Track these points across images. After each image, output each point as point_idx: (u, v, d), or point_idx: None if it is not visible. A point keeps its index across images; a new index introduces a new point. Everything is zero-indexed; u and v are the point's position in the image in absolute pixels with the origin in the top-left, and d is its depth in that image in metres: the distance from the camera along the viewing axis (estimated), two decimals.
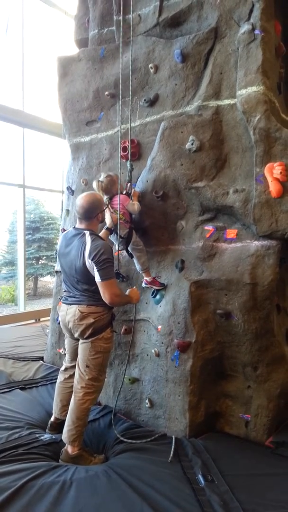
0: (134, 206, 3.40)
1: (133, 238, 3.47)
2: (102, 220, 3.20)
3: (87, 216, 2.94)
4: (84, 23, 4.70)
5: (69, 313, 2.96)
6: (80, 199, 2.93)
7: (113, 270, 2.88)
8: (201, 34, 3.46)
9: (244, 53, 3.20)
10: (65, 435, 2.93)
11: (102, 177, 3.44)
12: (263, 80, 3.09)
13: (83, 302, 2.91)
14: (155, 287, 3.55)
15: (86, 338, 2.91)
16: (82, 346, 2.95)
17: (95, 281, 2.83)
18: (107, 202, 3.39)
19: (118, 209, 3.30)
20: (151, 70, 3.74)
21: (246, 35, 3.20)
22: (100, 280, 2.78)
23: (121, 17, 3.99)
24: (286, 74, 3.70)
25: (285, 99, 3.72)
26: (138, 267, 3.56)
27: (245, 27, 3.21)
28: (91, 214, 2.94)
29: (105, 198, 3.37)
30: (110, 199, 3.42)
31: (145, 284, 3.59)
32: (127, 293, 3.15)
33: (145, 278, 3.57)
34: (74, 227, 3.06)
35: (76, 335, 2.99)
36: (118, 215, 3.31)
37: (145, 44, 3.82)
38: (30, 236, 12.04)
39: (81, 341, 2.97)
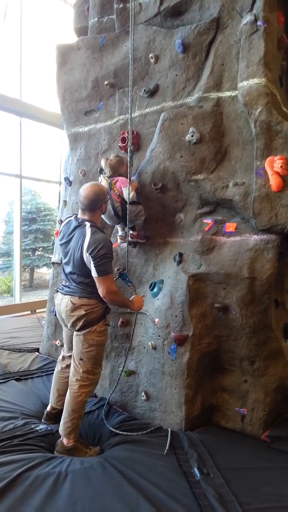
0: (131, 194, 3.34)
1: (134, 212, 3.41)
2: (104, 212, 3.18)
3: (91, 208, 2.91)
4: (83, 11, 4.63)
5: (62, 303, 2.96)
6: (85, 190, 2.89)
7: (111, 266, 2.86)
8: (203, 24, 3.41)
9: (246, 44, 3.15)
10: (61, 428, 2.93)
11: (111, 156, 3.48)
12: (265, 72, 3.05)
13: (76, 294, 2.90)
14: (139, 240, 3.62)
15: (78, 331, 2.91)
16: (76, 339, 2.94)
17: (89, 275, 2.82)
18: (109, 182, 3.40)
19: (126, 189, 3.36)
20: (152, 60, 3.69)
21: (249, 26, 3.15)
22: (97, 275, 2.77)
23: (121, 5, 3.93)
24: (287, 66, 3.66)
25: (286, 92, 3.67)
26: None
27: (248, 18, 3.16)
28: (96, 205, 2.92)
29: (108, 173, 3.43)
30: (111, 179, 3.43)
31: (120, 240, 3.72)
32: (131, 298, 3.18)
33: (119, 233, 3.68)
34: (76, 216, 3.02)
35: (68, 326, 2.99)
36: (128, 195, 3.34)
37: (145, 34, 3.76)
38: (26, 227, 12.00)
39: (74, 333, 2.96)
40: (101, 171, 3.57)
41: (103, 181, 3.47)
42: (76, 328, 2.91)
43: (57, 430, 3.03)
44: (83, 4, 4.65)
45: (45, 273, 13.27)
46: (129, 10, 3.83)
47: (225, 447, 2.93)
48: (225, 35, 3.36)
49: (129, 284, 3.50)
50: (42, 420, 3.27)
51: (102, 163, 3.47)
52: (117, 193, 3.39)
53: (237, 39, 3.27)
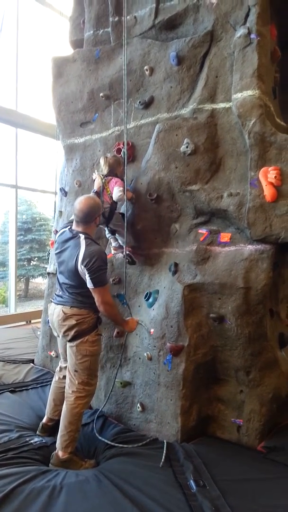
0: (120, 194, 3.36)
1: (115, 215, 3.49)
2: (99, 224, 3.22)
3: (85, 220, 2.94)
4: (79, 24, 4.68)
5: (55, 313, 2.98)
6: (80, 203, 2.92)
7: (106, 277, 2.89)
8: (197, 37, 3.46)
9: (240, 57, 3.20)
10: (58, 441, 2.89)
11: (109, 155, 3.53)
12: (258, 84, 3.09)
13: (67, 303, 2.92)
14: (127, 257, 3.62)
15: (70, 341, 2.91)
16: (69, 351, 2.94)
17: (83, 285, 2.84)
18: (104, 181, 3.45)
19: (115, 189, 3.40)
20: (146, 72, 3.73)
21: (242, 39, 3.20)
22: (93, 287, 2.79)
23: (117, 18, 3.99)
24: (281, 78, 3.71)
25: (280, 104, 3.72)
26: (121, 241, 3.62)
27: (241, 31, 3.22)
28: (90, 218, 2.95)
29: (105, 171, 3.48)
30: (105, 178, 3.47)
31: (114, 251, 3.74)
32: (126, 319, 3.21)
33: (113, 244, 3.69)
34: (70, 228, 3.03)
35: (60, 336, 3.00)
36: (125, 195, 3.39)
37: (140, 46, 3.81)
38: (22, 237, 11.98)
39: (68, 345, 2.95)
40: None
41: (97, 178, 3.50)
42: (68, 338, 2.91)
43: (52, 443, 3.00)
44: (79, 17, 4.70)
45: (40, 283, 13.22)
46: (124, 23, 3.89)
47: (221, 458, 2.91)
48: (219, 47, 3.41)
49: (125, 306, 3.51)
50: (37, 433, 3.23)
51: (101, 161, 3.51)
52: (110, 194, 3.43)
53: (231, 52, 3.31)
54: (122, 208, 3.69)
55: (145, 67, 3.73)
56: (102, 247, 3.14)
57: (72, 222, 3.04)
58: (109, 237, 3.69)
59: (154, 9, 3.76)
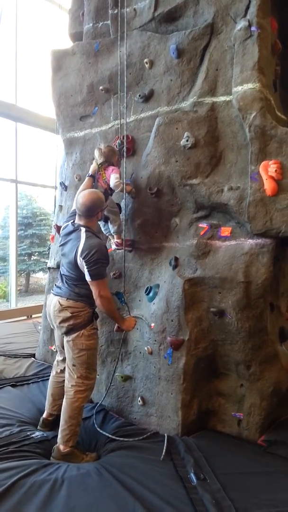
0: (116, 181, 3.36)
1: (109, 200, 3.48)
2: (101, 218, 3.27)
3: (88, 214, 2.96)
4: (78, 16, 4.64)
5: (52, 303, 3.01)
6: (83, 197, 2.93)
7: (105, 271, 2.89)
8: (197, 30, 3.43)
9: (240, 49, 3.17)
10: (59, 436, 2.91)
11: (102, 145, 3.51)
12: (259, 77, 3.06)
13: (64, 295, 2.94)
14: (126, 249, 3.61)
15: (66, 335, 2.92)
16: (66, 346, 2.95)
17: (81, 278, 2.86)
18: (101, 167, 3.46)
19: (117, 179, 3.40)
20: (146, 66, 3.70)
21: (243, 31, 3.17)
22: (90, 279, 2.80)
23: (116, 11, 3.95)
24: (281, 71, 3.68)
25: (280, 97, 3.70)
26: (112, 229, 3.60)
27: (242, 24, 3.18)
28: (92, 212, 2.97)
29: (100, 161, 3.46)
30: (101, 164, 3.47)
31: (116, 246, 3.65)
32: (126, 317, 3.22)
33: (116, 240, 3.62)
34: (73, 222, 3.05)
35: (55, 327, 3.02)
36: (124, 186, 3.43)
37: (140, 39, 3.77)
38: (22, 232, 11.97)
39: (64, 340, 2.96)
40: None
41: (93, 163, 3.50)
42: (63, 331, 2.93)
43: (54, 437, 3.01)
44: (78, 10, 4.66)
45: (41, 278, 13.23)
46: (123, 16, 3.86)
47: (221, 452, 2.92)
48: (219, 40, 3.38)
49: (124, 304, 3.51)
50: (38, 427, 3.25)
51: (96, 153, 3.50)
52: (105, 179, 3.44)
53: (231, 45, 3.28)
54: (122, 202, 3.69)
55: (145, 60, 3.70)
56: (103, 241, 3.13)
57: (75, 215, 3.04)
58: (107, 233, 3.68)
59: (154, 1, 3.71)
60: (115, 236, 3.61)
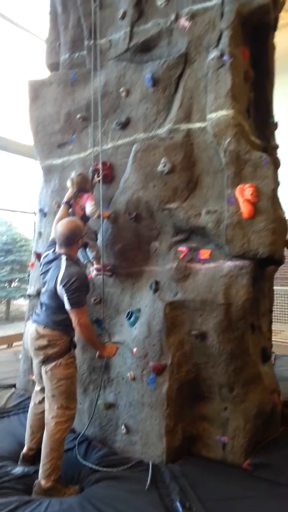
0: (92, 209, 3.40)
1: (86, 227, 3.50)
2: (81, 245, 3.27)
3: (68, 243, 2.97)
4: (55, 47, 4.73)
5: (29, 330, 2.98)
6: (61, 226, 2.95)
7: (84, 299, 2.88)
8: (171, 59, 3.55)
9: (214, 78, 3.28)
10: (40, 470, 2.81)
11: (74, 175, 3.53)
12: (232, 104, 3.17)
13: (41, 323, 2.92)
14: (106, 274, 3.60)
15: (43, 364, 2.88)
16: (44, 377, 2.90)
17: (60, 307, 2.84)
18: (75, 196, 3.49)
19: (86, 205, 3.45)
20: (123, 94, 3.79)
21: (215, 60, 3.29)
22: (69, 308, 2.79)
23: (92, 42, 4.05)
24: (255, 98, 3.81)
25: (254, 122, 3.81)
26: (91, 255, 3.61)
27: (214, 53, 3.31)
28: (72, 241, 2.98)
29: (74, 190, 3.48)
30: (78, 192, 3.49)
31: (96, 271, 3.63)
32: (106, 345, 3.16)
33: (95, 266, 3.61)
34: (53, 250, 3.05)
35: (32, 356, 2.98)
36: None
37: (116, 69, 3.87)
38: (2, 258, 11.84)
39: (42, 371, 2.91)
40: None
41: (69, 189, 3.50)
42: (39, 359, 2.89)
43: (35, 471, 2.91)
44: (55, 41, 4.76)
45: (22, 304, 13.01)
46: (100, 47, 3.97)
47: (207, 478, 2.87)
48: (193, 69, 3.49)
49: (104, 331, 3.48)
50: (19, 463, 3.13)
51: (68, 183, 3.51)
52: (81, 206, 3.46)
53: (204, 73, 3.40)
54: (104, 226, 3.71)
55: (121, 89, 3.79)
56: (84, 268, 3.12)
57: (55, 243, 3.04)
58: (85, 260, 3.67)
59: (128, 32, 3.85)
60: (94, 262, 3.60)
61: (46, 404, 2.91)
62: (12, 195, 10.12)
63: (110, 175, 3.83)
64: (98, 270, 3.60)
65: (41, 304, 3.02)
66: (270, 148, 3.81)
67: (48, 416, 2.88)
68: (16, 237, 12.64)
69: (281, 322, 8.41)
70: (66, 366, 2.87)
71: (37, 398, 3.19)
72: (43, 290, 3.02)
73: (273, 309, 4.27)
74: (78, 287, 2.76)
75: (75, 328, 2.84)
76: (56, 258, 2.96)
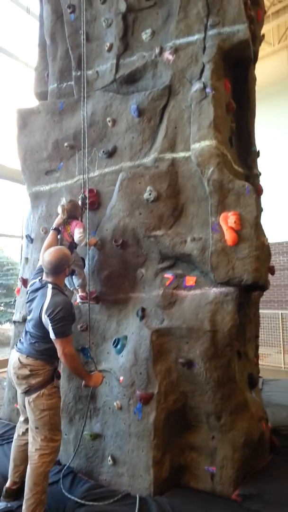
0: (80, 236, 3.41)
1: (74, 254, 3.49)
2: (69, 274, 3.26)
3: (55, 272, 2.97)
4: (44, 77, 4.84)
5: (13, 360, 2.95)
6: (49, 255, 2.95)
7: (70, 329, 2.85)
8: (156, 91, 3.64)
9: (197, 109, 3.37)
10: (24, 506, 2.71)
11: (64, 201, 3.54)
12: (215, 134, 3.25)
13: (24, 352, 2.89)
14: (91, 302, 3.58)
15: (26, 395, 2.84)
16: (28, 408, 2.85)
17: (44, 336, 2.83)
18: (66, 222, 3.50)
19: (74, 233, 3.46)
20: (109, 124, 3.87)
21: (198, 92, 3.39)
22: (54, 337, 2.76)
23: (79, 73, 4.15)
24: (237, 128, 3.91)
25: (237, 151, 3.91)
26: (76, 282, 3.58)
27: (197, 86, 3.41)
28: (59, 270, 2.98)
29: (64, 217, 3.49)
30: (68, 218, 3.51)
31: (80, 300, 3.61)
32: (92, 373, 3.11)
33: (80, 293, 3.59)
34: (40, 278, 3.04)
35: (16, 385, 2.94)
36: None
37: (103, 99, 3.96)
38: None
39: (26, 402, 2.86)
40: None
41: (58, 216, 3.52)
42: (22, 389, 2.86)
43: (18, 506, 2.82)
44: (44, 70, 4.87)
45: (7, 329, 12.81)
46: (87, 78, 4.07)
47: (195, 511, 2.81)
48: (177, 100, 3.59)
49: (90, 359, 3.46)
50: (1, 498, 3.04)
51: (59, 209, 3.54)
52: (70, 233, 3.47)
53: (188, 104, 3.50)
54: (91, 253, 3.72)
55: (108, 119, 3.87)
56: (69, 298, 3.11)
57: (42, 271, 3.04)
58: (71, 287, 3.66)
59: (114, 64, 3.96)
60: (79, 290, 3.60)
61: (30, 436, 2.85)
62: None
63: (97, 202, 3.86)
64: (82, 298, 3.58)
65: (26, 333, 2.99)
66: (252, 176, 3.91)
67: (31, 449, 2.81)
68: (3, 261, 12.57)
69: (268, 345, 8.42)
70: (49, 396, 2.82)
71: (21, 429, 3.13)
72: (28, 318, 3.00)
73: (259, 334, 4.28)
74: (63, 316, 2.75)
75: (60, 358, 2.80)
76: (43, 286, 2.94)
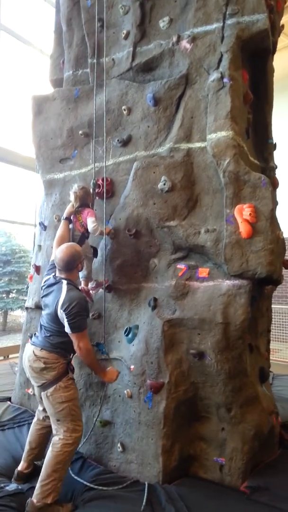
0: (94, 226, 3.40)
1: (85, 245, 3.51)
2: (81, 269, 3.26)
3: (67, 268, 2.99)
4: (59, 63, 4.81)
5: (27, 352, 2.98)
6: (60, 252, 2.97)
7: (85, 323, 2.88)
8: (173, 80, 3.60)
9: (214, 99, 3.33)
10: (38, 490, 2.72)
11: (76, 188, 3.54)
12: (232, 125, 3.21)
13: (39, 345, 2.92)
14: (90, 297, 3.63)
15: (42, 389, 2.87)
16: (46, 402, 2.88)
17: (59, 330, 2.86)
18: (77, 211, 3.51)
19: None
20: (124, 112, 3.84)
21: (216, 82, 3.34)
22: (70, 332, 2.80)
23: (95, 60, 4.12)
24: (253, 119, 3.86)
25: (253, 143, 3.86)
26: (81, 274, 3.59)
27: (215, 75, 3.36)
28: (71, 266, 2.99)
29: (77, 205, 3.50)
30: (80, 206, 3.51)
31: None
32: (107, 369, 3.11)
33: (82, 286, 3.61)
34: (54, 275, 3.06)
35: (31, 379, 2.97)
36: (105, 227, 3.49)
37: (118, 87, 3.93)
38: (0, 269, 11.83)
39: (43, 397, 2.89)
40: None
41: (69, 206, 3.53)
42: (38, 384, 2.88)
43: (29, 489, 2.88)
44: (59, 57, 4.83)
45: (19, 316, 12.99)
46: (103, 65, 4.03)
47: (203, 500, 2.84)
48: (194, 90, 3.54)
49: (105, 354, 3.48)
50: (13, 480, 3.09)
51: (71, 196, 3.54)
52: (82, 223, 3.47)
53: (205, 94, 3.45)
54: (101, 243, 3.72)
55: (123, 107, 3.84)
56: (83, 294, 3.13)
57: (55, 267, 3.06)
58: (81, 277, 3.66)
59: (131, 52, 3.91)
60: (82, 282, 3.61)
61: (53, 428, 2.89)
62: (12, 206, 10.13)
63: (110, 191, 3.86)
64: (81, 290, 3.58)
65: (41, 327, 3.02)
66: (268, 168, 3.86)
67: (55, 438, 2.85)
68: (15, 248, 12.64)
69: (279, 341, 8.38)
70: (66, 388, 2.85)
71: (41, 415, 3.19)
72: (43, 312, 3.04)
73: (271, 328, 4.26)
74: (78, 311, 2.78)
75: (76, 352, 2.85)
76: (57, 282, 2.98)
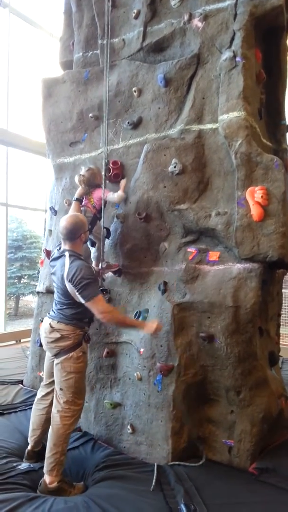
0: (115, 196, 3.44)
1: (96, 226, 3.51)
2: (86, 241, 3.24)
3: (70, 237, 2.96)
4: (69, 45, 4.75)
5: (44, 325, 3.02)
6: (63, 221, 2.95)
7: (96, 288, 2.89)
8: (184, 60, 3.53)
9: (226, 79, 3.26)
10: (45, 464, 2.83)
11: (83, 170, 3.53)
12: (244, 106, 3.15)
13: (55, 318, 2.96)
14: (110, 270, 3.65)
15: (55, 356, 2.92)
16: (55, 369, 2.93)
17: (71, 303, 2.88)
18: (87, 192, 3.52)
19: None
20: (135, 94, 3.78)
21: (228, 62, 3.26)
22: (84, 301, 2.78)
23: (105, 41, 4.05)
24: (266, 100, 3.78)
25: (265, 124, 3.78)
26: (92, 254, 3.62)
27: (227, 54, 3.29)
28: (74, 235, 2.96)
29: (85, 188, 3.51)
30: (89, 187, 3.51)
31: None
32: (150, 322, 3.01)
33: (94, 266, 3.61)
34: (59, 248, 3.07)
35: (47, 349, 3.03)
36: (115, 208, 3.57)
37: (129, 68, 3.87)
38: (12, 254, 11.90)
39: (54, 363, 2.94)
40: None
41: (80, 187, 3.53)
42: (53, 353, 2.93)
43: (40, 467, 2.93)
44: (69, 39, 4.77)
45: (30, 301, 13.10)
46: (113, 46, 3.97)
47: (212, 481, 2.87)
48: (206, 70, 3.47)
49: (108, 293, 3.57)
50: (24, 459, 3.15)
51: (76, 180, 3.52)
52: (93, 204, 3.47)
53: (217, 74, 3.38)
54: (112, 226, 3.71)
55: (134, 89, 3.78)
56: (86, 261, 3.12)
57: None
58: (93, 257, 3.68)
59: (141, 32, 3.84)
60: (93, 262, 3.61)
61: (54, 399, 2.93)
62: (22, 192, 10.14)
63: (120, 174, 3.83)
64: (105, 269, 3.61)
65: (55, 301, 3.07)
66: (281, 150, 3.79)
67: (54, 410, 2.90)
68: (26, 234, 12.69)
69: None
70: (77, 359, 2.88)
71: (41, 392, 3.23)
72: (54, 288, 3.06)
73: (281, 313, 4.24)
74: (84, 277, 2.75)
75: (99, 319, 2.88)
76: (61, 255, 2.97)
